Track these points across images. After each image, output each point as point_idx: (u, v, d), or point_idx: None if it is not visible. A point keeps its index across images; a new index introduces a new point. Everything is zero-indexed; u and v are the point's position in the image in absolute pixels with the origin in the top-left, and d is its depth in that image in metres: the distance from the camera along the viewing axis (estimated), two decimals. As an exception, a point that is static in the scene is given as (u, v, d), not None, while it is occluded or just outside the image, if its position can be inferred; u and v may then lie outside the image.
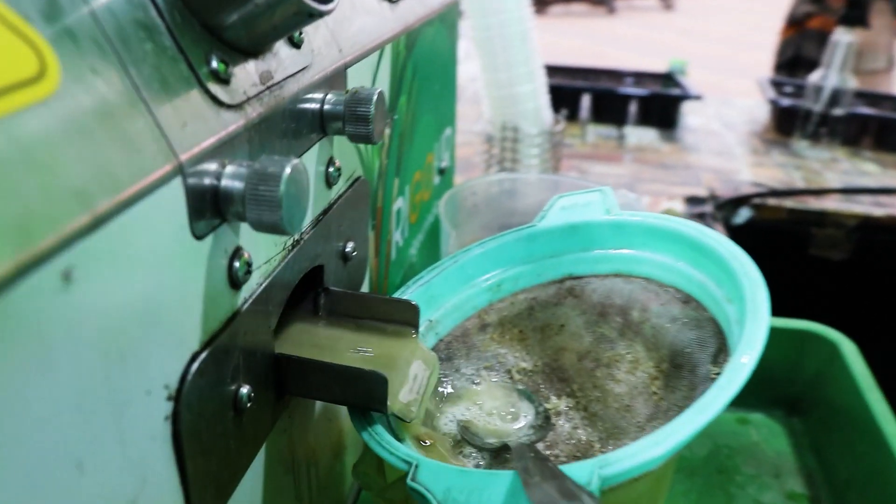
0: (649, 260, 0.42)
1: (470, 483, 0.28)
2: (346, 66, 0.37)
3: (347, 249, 0.39)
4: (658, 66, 1.73)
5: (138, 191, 0.20)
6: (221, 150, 0.25)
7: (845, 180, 1.28)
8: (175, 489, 0.25)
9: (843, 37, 1.32)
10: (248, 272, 0.27)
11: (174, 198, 0.22)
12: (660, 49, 6.02)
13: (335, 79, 0.35)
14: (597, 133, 1.46)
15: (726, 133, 1.53)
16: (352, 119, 0.33)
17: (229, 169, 0.25)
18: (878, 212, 1.15)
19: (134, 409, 0.22)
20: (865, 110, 1.47)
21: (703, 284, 0.38)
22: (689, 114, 1.62)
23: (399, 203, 0.52)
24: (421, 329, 0.41)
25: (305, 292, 0.37)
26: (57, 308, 0.18)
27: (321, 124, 0.33)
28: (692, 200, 1.17)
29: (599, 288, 0.43)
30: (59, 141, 0.19)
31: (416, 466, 0.29)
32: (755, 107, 1.71)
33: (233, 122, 0.26)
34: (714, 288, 0.38)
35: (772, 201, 1.19)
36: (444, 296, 0.43)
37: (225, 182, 0.25)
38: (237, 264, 0.27)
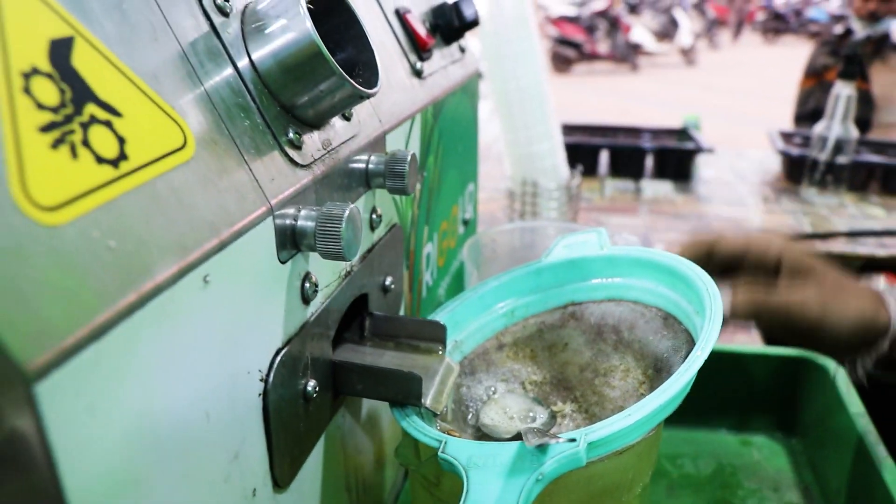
0: (636, 286, 0.50)
1: (486, 451, 0.36)
2: (385, 133, 0.46)
3: (387, 283, 0.47)
4: (681, 120, 1.81)
5: (245, 224, 0.29)
6: (296, 199, 0.33)
7: (852, 224, 1.34)
8: (263, 453, 0.33)
9: (842, 90, 1.40)
10: (315, 291, 0.36)
11: (267, 232, 0.31)
12: (682, 104, 6.14)
13: (376, 144, 0.44)
14: (615, 187, 1.55)
15: (738, 183, 1.61)
16: (391, 175, 0.42)
17: (303, 212, 0.33)
18: (881, 252, 1.22)
19: (240, 382, 0.30)
20: (871, 157, 1.54)
21: (677, 303, 0.46)
22: (704, 166, 1.70)
23: (428, 248, 0.60)
24: (448, 348, 0.49)
25: (354, 319, 0.45)
26: (200, 301, 0.26)
27: (366, 180, 0.42)
28: (704, 247, 1.24)
29: (596, 311, 0.51)
30: (197, 189, 0.27)
31: (445, 443, 0.37)
32: (766, 157, 1.79)
33: (304, 178, 0.34)
34: (686, 304, 0.46)
35: (780, 246, 1.26)
36: (467, 320, 0.51)
37: (300, 222, 0.33)
38: (307, 285, 0.35)
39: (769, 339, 0.63)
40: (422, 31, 0.57)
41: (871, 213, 1.43)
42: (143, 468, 0.24)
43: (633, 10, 10.22)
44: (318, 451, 0.40)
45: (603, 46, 8.91)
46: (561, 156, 1.16)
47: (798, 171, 1.54)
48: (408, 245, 0.53)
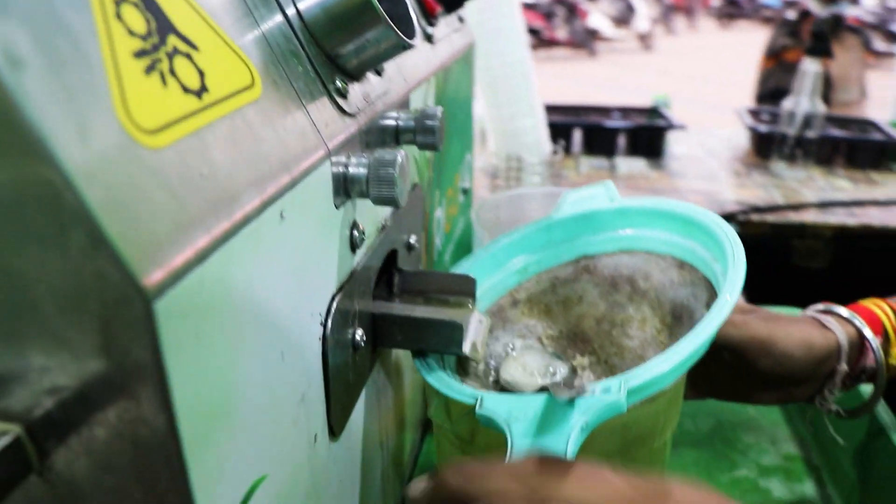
0: (648, 236, 0.50)
1: (525, 404, 0.36)
2: (409, 91, 0.46)
3: (411, 241, 0.47)
4: (640, 103, 1.83)
5: (310, 165, 0.29)
6: (346, 147, 0.33)
7: (821, 196, 1.38)
8: (322, 398, 0.33)
9: (810, 66, 1.43)
10: (363, 239, 0.36)
11: (326, 174, 0.31)
12: (640, 89, 6.20)
13: (402, 102, 0.44)
14: (589, 164, 1.56)
15: (709, 159, 1.63)
16: (422, 131, 0.42)
17: (353, 160, 0.33)
18: (851, 222, 1.25)
19: (305, 325, 0.30)
20: (836, 132, 1.58)
21: (693, 250, 0.47)
22: (674, 143, 1.72)
23: (438, 212, 0.60)
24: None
25: (381, 277, 0.45)
26: (277, 235, 0.26)
27: (396, 136, 0.42)
28: (683, 220, 1.26)
29: (609, 263, 0.52)
30: (266, 127, 0.27)
31: (482, 399, 0.37)
32: (734, 135, 1.82)
33: (352, 126, 0.34)
34: (703, 252, 0.46)
35: (755, 217, 1.29)
36: (481, 279, 0.51)
37: (352, 169, 0.33)
38: (356, 233, 0.35)
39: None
40: (429, -4, 0.57)
41: (838, 185, 1.46)
42: (233, 400, 0.24)
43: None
44: (360, 404, 0.40)
45: (561, 32, 8.95)
46: (544, 131, 1.17)
47: (767, 146, 1.57)
48: (424, 206, 0.53)
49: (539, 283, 0.53)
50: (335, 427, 0.35)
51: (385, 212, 0.42)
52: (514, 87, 1.10)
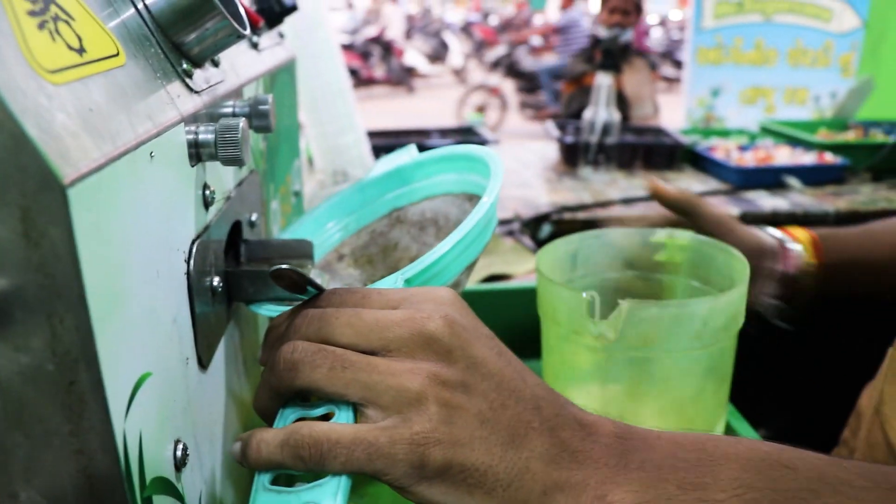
0: (444, 180, 0.59)
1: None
2: (242, 86, 0.52)
3: (253, 219, 0.53)
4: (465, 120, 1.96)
5: (170, 122, 0.35)
6: (195, 118, 0.40)
7: (624, 194, 1.54)
8: (189, 326, 0.38)
9: (603, 80, 1.61)
10: (213, 199, 0.42)
11: (181, 136, 0.37)
12: (459, 120, 6.45)
13: (237, 94, 0.50)
14: (414, 181, 1.66)
15: (524, 170, 1.78)
16: (256, 114, 0.48)
17: (202, 127, 0.40)
18: (653, 213, 1.41)
19: (173, 255, 0.36)
20: (633, 139, 1.77)
21: (478, 183, 0.55)
22: (491, 159, 1.86)
23: (274, 204, 0.67)
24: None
25: (229, 251, 0.51)
26: (149, 171, 0.32)
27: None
28: (501, 223, 1.38)
29: (416, 211, 0.61)
30: (132, 90, 0.33)
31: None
32: (545, 148, 1.98)
33: (198, 102, 0.40)
34: (483, 180, 0.54)
35: (567, 215, 1.43)
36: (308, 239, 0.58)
37: (201, 135, 0.39)
38: (207, 192, 0.41)
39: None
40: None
41: (638, 184, 1.64)
42: (124, 291, 0.30)
43: (405, 34, 10.61)
44: (221, 352, 0.45)
45: (379, 71, 9.18)
46: (366, 146, 1.25)
47: (574, 154, 1.74)
48: (262, 193, 0.60)
49: (360, 237, 0.61)
50: (203, 358, 0.40)
51: (229, 184, 0.48)
52: (334, 105, 1.17)
